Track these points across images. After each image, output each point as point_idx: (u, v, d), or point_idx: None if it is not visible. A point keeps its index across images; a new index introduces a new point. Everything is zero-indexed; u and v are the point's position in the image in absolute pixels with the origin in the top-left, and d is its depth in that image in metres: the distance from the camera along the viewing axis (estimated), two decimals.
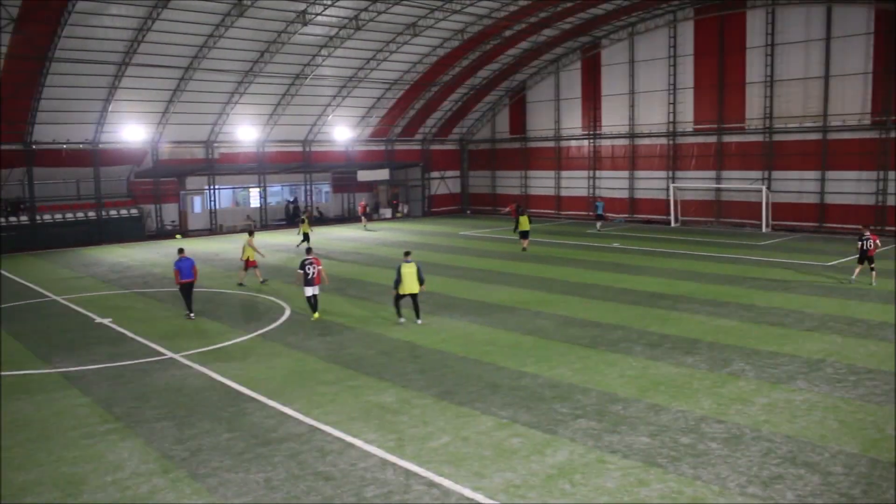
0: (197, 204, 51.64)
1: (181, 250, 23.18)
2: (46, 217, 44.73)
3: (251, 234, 30.06)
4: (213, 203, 51.14)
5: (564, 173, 55.75)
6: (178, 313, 22.61)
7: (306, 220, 39.79)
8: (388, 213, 59.58)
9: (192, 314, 22.15)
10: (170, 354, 17.82)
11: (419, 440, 11.99)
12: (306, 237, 37.63)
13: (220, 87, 46.04)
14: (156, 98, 44.86)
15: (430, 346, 18.05)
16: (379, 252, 36.87)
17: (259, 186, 53.92)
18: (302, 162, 54.53)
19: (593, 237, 41.57)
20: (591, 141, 53.34)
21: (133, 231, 46.92)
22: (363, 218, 51.05)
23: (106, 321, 21.88)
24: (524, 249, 35.17)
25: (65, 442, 12.36)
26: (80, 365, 17.11)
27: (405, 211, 60.85)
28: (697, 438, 11.78)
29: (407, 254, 20.86)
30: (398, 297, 20.30)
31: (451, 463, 11.07)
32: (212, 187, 51.06)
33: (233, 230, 50.64)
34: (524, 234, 35.45)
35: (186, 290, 22.34)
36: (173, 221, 50.26)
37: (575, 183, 54.96)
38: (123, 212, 47.64)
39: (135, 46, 39.82)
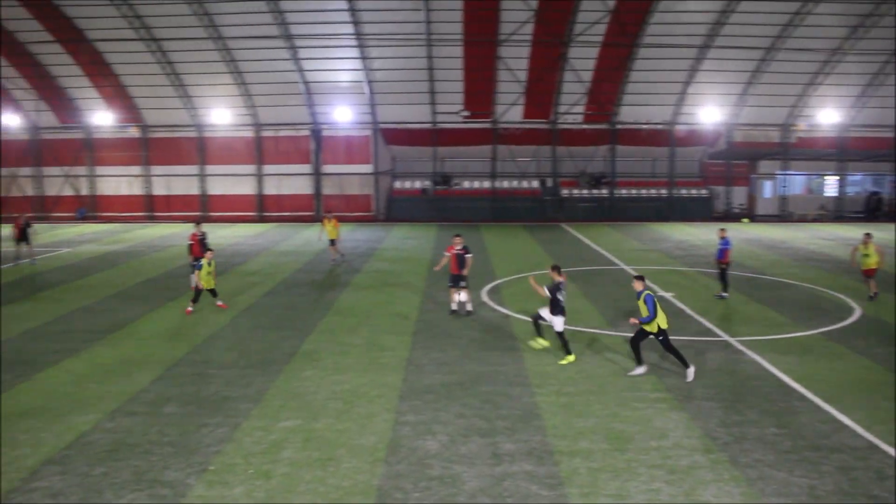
0: (767, 189, 50.29)
1: (722, 230, 23.37)
2: (623, 192, 48.41)
3: None
4: (784, 189, 49.19)
5: None
6: (739, 299, 22.39)
7: None
8: None
9: (723, 294, 22.42)
10: (725, 337, 17.76)
11: None
12: None
13: (802, 67, 43.85)
14: (734, 80, 44.81)
15: None
16: None
17: (837, 174, 50.07)
18: (891, 149, 48.90)
19: None
20: None
21: (700, 211, 47.98)
22: None
23: (668, 295, 22.77)
24: None
25: (619, 400, 13.26)
26: None
27: None
28: None
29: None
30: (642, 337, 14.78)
31: None
32: (784, 172, 49.08)
33: (803, 219, 48.22)
34: None
35: (722, 269, 22.57)
36: (741, 204, 49.85)
37: None
38: (693, 192, 48.91)
39: (717, 29, 40.20)
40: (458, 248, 19.74)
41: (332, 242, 30.08)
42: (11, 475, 10.28)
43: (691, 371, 14.41)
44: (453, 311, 20.06)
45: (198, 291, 20.02)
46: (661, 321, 14.22)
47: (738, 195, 50.21)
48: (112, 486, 9.95)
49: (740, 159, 49.37)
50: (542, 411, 12.70)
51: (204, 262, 20.01)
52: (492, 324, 19.12)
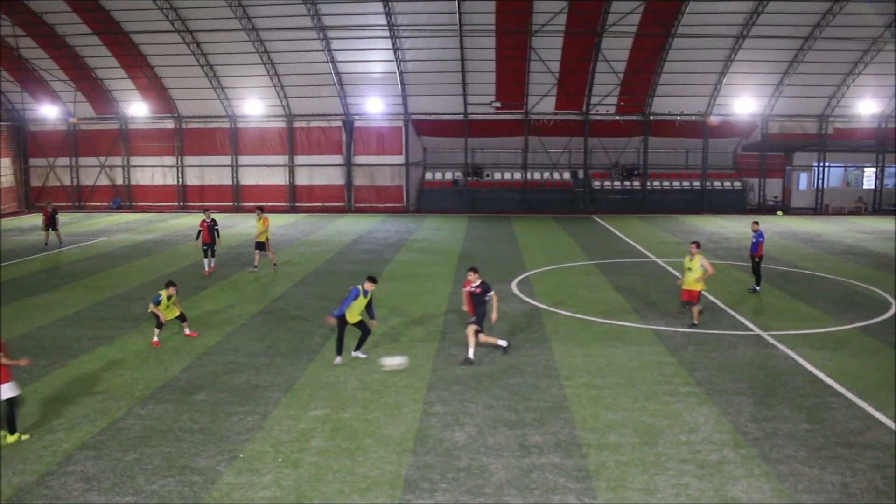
0: (803, 181, 49.51)
1: (756, 222, 23.33)
2: (655, 184, 47.98)
3: None
4: (820, 181, 48.35)
5: None
6: (771, 292, 22.11)
7: None
8: None
9: (756, 287, 22.16)
10: (757, 331, 17.55)
11: None
12: None
13: (842, 56, 43.02)
14: (770, 70, 44.17)
15: None
16: None
17: (875, 166, 49.10)
18: None
19: None
20: None
21: (734, 203, 47.49)
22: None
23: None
24: None
25: (648, 393, 13.17)
26: (669, 325, 18.00)
27: None
28: None
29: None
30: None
31: None
32: (821, 164, 48.22)
33: (839, 212, 47.42)
34: None
35: (756, 262, 22.40)
36: (776, 197, 49.19)
37: None
38: (727, 184, 48.37)
39: (754, 18, 39.64)
40: (475, 285, 15.10)
41: (260, 246, 25.22)
42: (47, 458, 10.48)
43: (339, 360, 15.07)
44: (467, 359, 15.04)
45: (160, 324, 16.38)
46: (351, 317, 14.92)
47: (773, 187, 49.50)
48: (144, 471, 10.10)
49: (775, 151, 48.63)
50: (570, 403, 12.66)
51: (163, 295, 16.34)
52: (521, 316, 19.08)
